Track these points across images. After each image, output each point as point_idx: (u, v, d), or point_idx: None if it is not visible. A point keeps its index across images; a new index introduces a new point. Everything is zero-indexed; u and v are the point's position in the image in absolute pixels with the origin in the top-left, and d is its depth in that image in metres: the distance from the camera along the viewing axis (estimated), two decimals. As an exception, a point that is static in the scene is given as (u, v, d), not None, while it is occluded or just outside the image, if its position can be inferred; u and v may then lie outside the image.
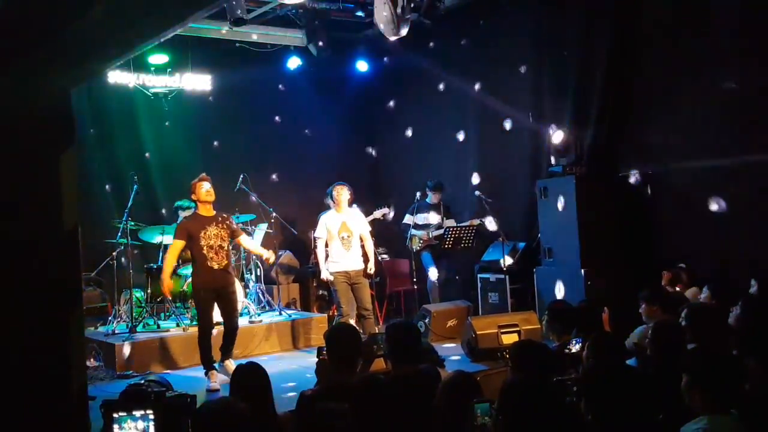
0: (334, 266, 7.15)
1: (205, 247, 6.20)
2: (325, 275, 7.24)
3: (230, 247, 6.52)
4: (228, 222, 6.43)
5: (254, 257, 8.54)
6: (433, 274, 8.67)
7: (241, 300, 7.95)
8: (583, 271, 7.15)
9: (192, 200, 6.45)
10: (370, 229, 7.52)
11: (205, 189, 6.28)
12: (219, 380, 6.21)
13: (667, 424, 2.92)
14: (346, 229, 7.19)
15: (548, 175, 7.87)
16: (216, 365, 6.39)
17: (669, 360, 3.54)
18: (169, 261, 6.38)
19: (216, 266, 6.25)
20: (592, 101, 7.84)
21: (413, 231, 8.65)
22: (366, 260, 7.31)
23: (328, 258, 7.26)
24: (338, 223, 7.20)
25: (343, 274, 7.11)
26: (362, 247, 7.32)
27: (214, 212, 6.37)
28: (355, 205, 7.73)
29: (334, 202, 7.28)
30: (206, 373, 6.27)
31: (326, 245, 7.30)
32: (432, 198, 8.79)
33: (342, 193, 7.21)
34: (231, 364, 6.35)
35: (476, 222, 8.38)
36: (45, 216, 2.80)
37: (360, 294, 7.11)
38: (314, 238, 7.47)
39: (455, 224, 8.55)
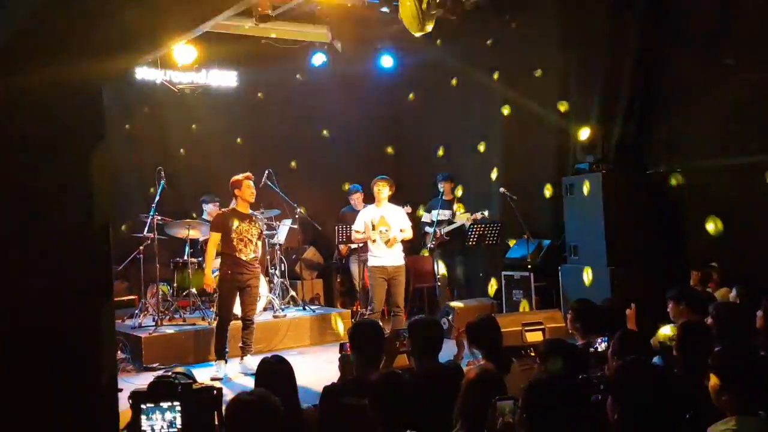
0: (372, 261, 7.16)
1: (235, 240, 6.56)
2: (366, 235, 7.21)
3: (258, 243, 6.83)
4: (259, 223, 6.86)
5: (279, 253, 8.60)
6: (440, 275, 8.66)
7: (266, 295, 8.02)
8: (609, 269, 7.09)
9: (234, 194, 6.74)
10: (411, 224, 7.47)
11: (251, 190, 6.70)
12: (223, 372, 6.53)
13: (695, 424, 2.89)
14: (384, 223, 7.18)
15: (574, 172, 7.81)
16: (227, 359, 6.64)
17: (696, 360, 3.50)
18: (210, 254, 6.77)
19: (245, 258, 6.61)
20: (619, 98, 7.77)
21: (427, 229, 8.65)
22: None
23: (368, 252, 7.30)
24: (377, 217, 7.20)
25: (381, 269, 7.10)
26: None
27: (249, 212, 6.78)
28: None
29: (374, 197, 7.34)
30: (216, 361, 6.61)
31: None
32: (444, 192, 8.73)
33: (382, 188, 7.21)
34: (251, 361, 6.44)
35: (478, 215, 8.34)
36: (77, 210, 2.84)
37: (395, 291, 7.12)
38: (352, 230, 7.52)
39: (467, 219, 8.49)
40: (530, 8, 8.77)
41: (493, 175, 9.33)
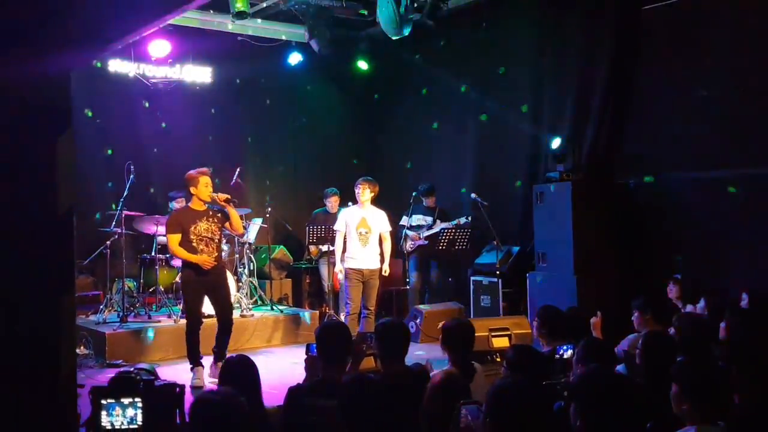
0: (349, 262, 7.13)
1: (195, 240, 6.12)
2: (338, 268, 7.23)
3: (221, 241, 6.45)
4: (219, 216, 6.32)
5: (248, 252, 8.52)
6: (414, 281, 8.66)
7: (234, 294, 7.95)
8: (575, 277, 7.16)
9: (189, 191, 6.28)
10: (390, 229, 7.47)
11: (209, 189, 6.17)
12: (204, 378, 6.15)
13: (655, 433, 2.93)
14: (365, 225, 7.14)
15: (545, 181, 7.88)
16: (202, 360, 6.27)
17: (658, 369, 3.54)
18: (181, 252, 6.21)
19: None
20: (592, 108, 7.87)
21: (407, 232, 8.64)
22: (382, 260, 7.28)
23: (344, 253, 7.23)
24: (358, 218, 7.17)
25: (357, 272, 7.08)
26: (380, 245, 7.27)
27: (206, 207, 6.28)
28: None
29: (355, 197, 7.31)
30: (192, 368, 6.18)
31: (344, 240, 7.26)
32: (426, 202, 8.81)
33: (363, 189, 7.16)
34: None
35: (462, 220, 8.38)
36: (40, 201, 2.78)
37: (368, 293, 7.11)
38: (334, 230, 7.47)
39: (449, 226, 8.54)
40: (507, 18, 8.84)
41: (467, 180, 9.37)
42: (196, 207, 6.22)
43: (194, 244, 6.12)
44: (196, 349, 6.20)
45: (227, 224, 6.36)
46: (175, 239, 6.18)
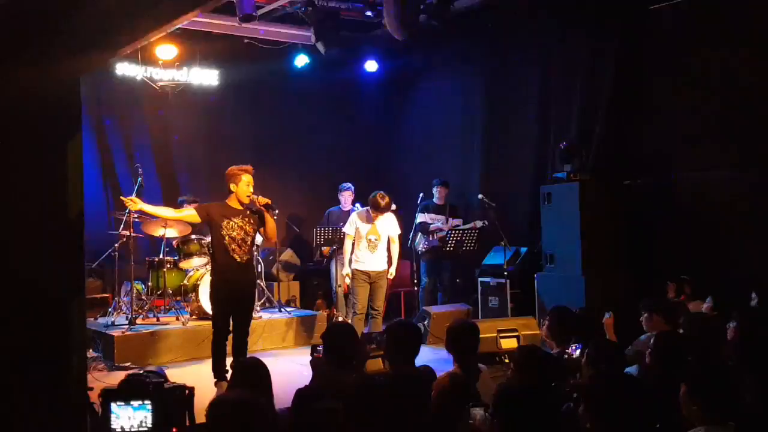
0: (356, 265, 7.15)
1: (226, 237, 5.77)
2: (345, 271, 7.24)
3: (253, 244, 6.10)
4: (255, 218, 5.95)
5: (256, 254, 8.52)
6: (426, 282, 8.65)
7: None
8: (584, 278, 7.15)
9: (229, 188, 5.88)
10: (399, 232, 7.47)
11: (249, 189, 5.81)
12: None
13: (665, 434, 2.92)
14: (374, 232, 7.15)
15: (552, 181, 7.86)
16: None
17: (669, 370, 3.53)
18: (166, 212, 6.05)
19: (238, 259, 5.82)
20: (599, 109, 7.85)
21: (433, 225, 8.58)
22: (389, 263, 7.28)
23: (352, 255, 7.22)
24: (369, 226, 7.19)
25: (364, 273, 7.10)
26: (388, 248, 7.25)
27: (243, 207, 5.90)
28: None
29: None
30: (216, 383, 5.86)
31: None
32: (437, 197, 8.75)
33: (372, 203, 7.10)
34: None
35: (479, 224, 8.37)
36: (50, 203, 2.80)
37: (375, 294, 7.12)
38: (343, 232, 7.47)
39: (461, 225, 8.53)
40: (513, 18, 8.82)
41: (474, 181, 9.35)
42: (232, 204, 5.87)
43: (226, 242, 5.76)
44: (221, 362, 5.85)
45: (261, 230, 6.02)
46: (189, 213, 5.92)
